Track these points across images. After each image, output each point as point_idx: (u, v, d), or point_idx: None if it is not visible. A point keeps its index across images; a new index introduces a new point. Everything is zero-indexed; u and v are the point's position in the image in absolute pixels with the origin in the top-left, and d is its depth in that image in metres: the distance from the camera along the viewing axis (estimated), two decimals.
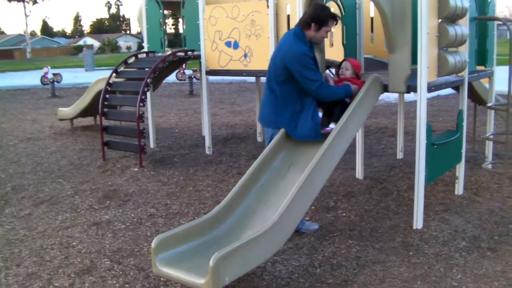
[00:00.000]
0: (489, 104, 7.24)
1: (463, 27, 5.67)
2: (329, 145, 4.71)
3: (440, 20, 5.40)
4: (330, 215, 6.03)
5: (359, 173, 7.39)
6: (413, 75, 5.29)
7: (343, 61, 5.78)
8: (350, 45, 6.65)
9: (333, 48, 6.97)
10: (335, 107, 5.23)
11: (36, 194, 7.25)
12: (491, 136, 7.42)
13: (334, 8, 6.90)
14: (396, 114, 8.82)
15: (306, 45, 5.11)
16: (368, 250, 5.05)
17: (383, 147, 9.32)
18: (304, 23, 5.10)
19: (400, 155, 8.42)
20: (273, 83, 5.18)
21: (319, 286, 4.41)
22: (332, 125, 5.03)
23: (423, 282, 4.41)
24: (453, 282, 4.39)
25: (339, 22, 5.75)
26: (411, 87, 5.35)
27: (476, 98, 8.52)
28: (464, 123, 6.26)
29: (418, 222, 5.51)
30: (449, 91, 12.21)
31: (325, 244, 5.24)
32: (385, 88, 5.48)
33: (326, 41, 6.44)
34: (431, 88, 5.41)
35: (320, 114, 5.20)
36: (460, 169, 6.43)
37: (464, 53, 5.93)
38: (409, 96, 10.87)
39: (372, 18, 7.52)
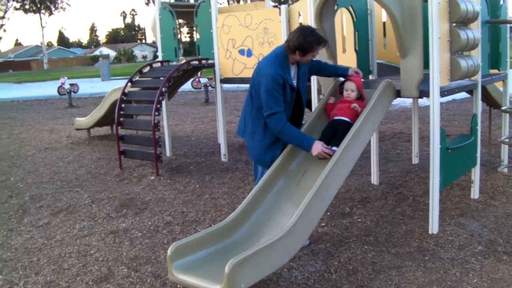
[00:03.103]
0: (503, 108, 7.21)
1: (475, 31, 5.67)
2: (343, 151, 4.71)
3: (451, 24, 5.41)
4: (346, 221, 6.04)
5: (374, 178, 7.39)
6: (426, 79, 5.30)
7: (346, 80, 5.49)
8: (363, 51, 6.67)
9: (346, 54, 7.00)
10: (337, 130, 5.08)
11: (54, 203, 7.32)
12: (507, 140, 7.38)
13: (345, 14, 6.94)
14: (411, 119, 8.81)
15: (284, 68, 4.95)
16: (384, 256, 5.06)
17: (399, 152, 9.31)
18: (288, 49, 4.95)
19: (415, 160, 8.40)
20: (251, 93, 5.15)
21: None
22: (334, 148, 4.87)
23: (439, 286, 4.41)
24: (469, 287, 4.38)
25: (352, 29, 5.71)
26: (424, 92, 5.36)
27: (491, 101, 8.51)
28: (479, 127, 6.24)
29: (433, 227, 5.50)
30: (464, 95, 12.17)
31: (341, 249, 5.25)
32: (398, 93, 5.48)
33: (339, 47, 6.46)
34: (443, 92, 5.41)
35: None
36: (476, 173, 6.41)
37: (476, 56, 5.92)
38: (424, 101, 10.85)
39: (384, 23, 7.53)
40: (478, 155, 6.35)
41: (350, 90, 5.38)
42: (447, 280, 4.50)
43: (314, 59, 5.30)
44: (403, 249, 5.18)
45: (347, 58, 6.91)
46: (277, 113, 4.86)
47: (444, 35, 5.31)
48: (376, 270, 4.77)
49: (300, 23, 7.79)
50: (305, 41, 4.85)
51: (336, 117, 5.25)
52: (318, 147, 4.84)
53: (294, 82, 5.09)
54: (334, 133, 5.08)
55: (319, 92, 6.18)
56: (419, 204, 6.42)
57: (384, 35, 7.68)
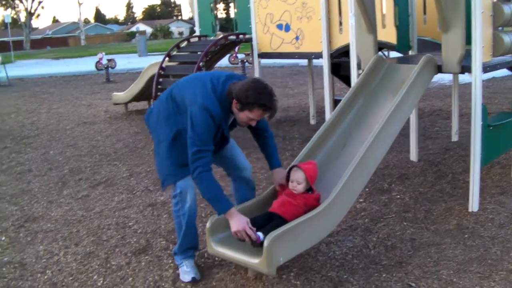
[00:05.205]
0: None
1: None
2: (383, 126, 4.64)
3: None
4: (384, 197, 6.00)
5: (413, 155, 7.31)
6: (467, 55, 5.19)
7: (292, 167, 4.44)
8: (403, 26, 6.57)
9: (386, 29, 6.90)
10: (272, 222, 4.08)
11: (92, 176, 7.42)
12: None
13: None
14: (450, 96, 8.68)
15: (225, 114, 4.12)
16: (423, 232, 5.01)
17: (438, 129, 9.18)
18: (229, 94, 4.03)
19: (455, 137, 8.28)
20: (173, 94, 4.31)
21: (373, 267, 4.41)
22: (260, 234, 3.91)
23: (479, 264, 4.36)
24: (510, 266, 4.32)
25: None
26: (465, 68, 5.26)
27: None
28: None
29: (473, 204, 5.43)
30: (504, 72, 11.94)
31: (379, 226, 5.23)
32: (439, 69, 5.38)
33: (378, 23, 6.36)
34: (486, 68, 5.30)
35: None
36: None
37: None
38: (463, 78, 10.71)
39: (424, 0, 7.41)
40: None
41: (296, 181, 4.32)
42: (487, 259, 4.44)
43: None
44: (443, 226, 5.12)
45: (387, 33, 6.81)
46: (209, 152, 4.03)
47: (487, 10, 5.19)
48: (415, 246, 4.73)
49: None
50: (246, 94, 3.94)
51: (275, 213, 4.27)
52: (243, 223, 3.93)
53: (227, 134, 4.38)
54: (267, 222, 4.11)
55: (359, 66, 6.10)
56: (459, 182, 6.34)
57: (424, 11, 7.55)
